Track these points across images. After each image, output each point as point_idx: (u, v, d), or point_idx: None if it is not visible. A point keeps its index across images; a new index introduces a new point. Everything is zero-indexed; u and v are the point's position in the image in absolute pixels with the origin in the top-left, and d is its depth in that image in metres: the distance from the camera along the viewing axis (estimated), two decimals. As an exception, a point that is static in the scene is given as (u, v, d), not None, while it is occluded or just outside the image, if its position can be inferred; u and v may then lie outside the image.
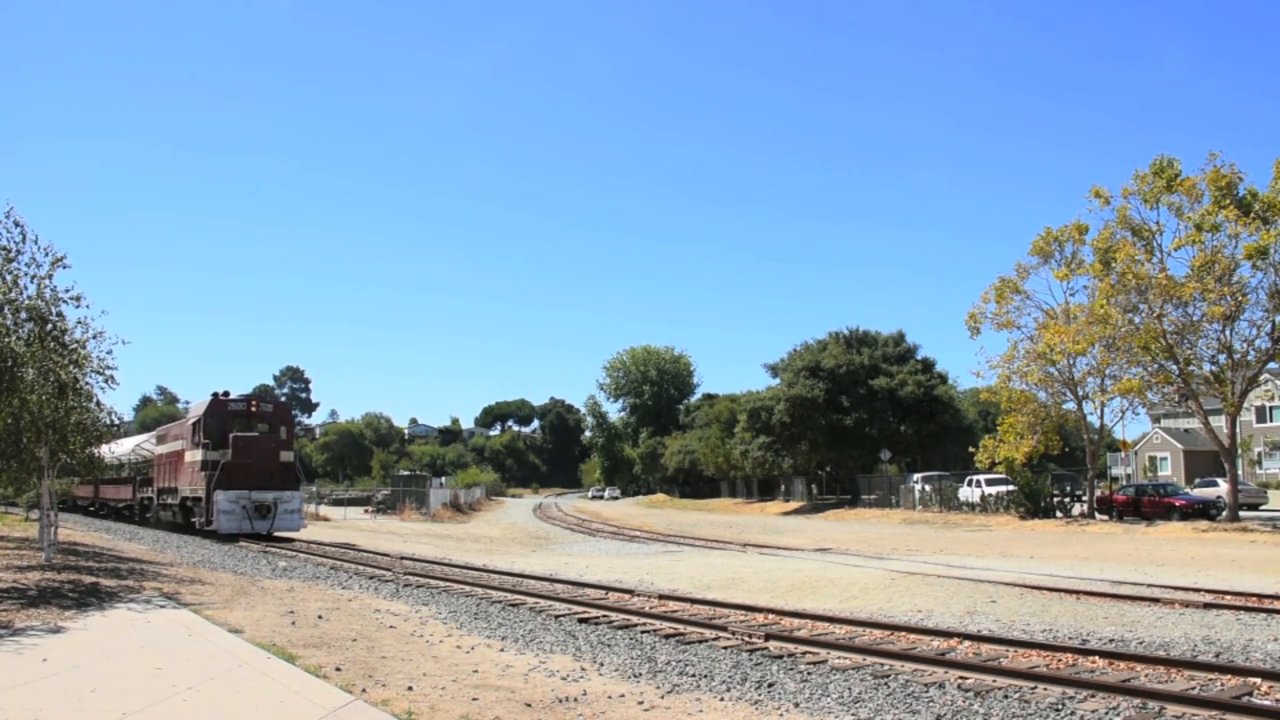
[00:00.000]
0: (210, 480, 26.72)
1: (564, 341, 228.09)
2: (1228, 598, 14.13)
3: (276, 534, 27.34)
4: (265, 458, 27.29)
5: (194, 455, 28.55)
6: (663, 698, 8.01)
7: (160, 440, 35.19)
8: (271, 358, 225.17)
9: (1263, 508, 43.42)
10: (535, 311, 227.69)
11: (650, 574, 19.29)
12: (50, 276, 15.66)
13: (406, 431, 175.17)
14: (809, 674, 8.82)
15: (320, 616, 12.53)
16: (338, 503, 60.41)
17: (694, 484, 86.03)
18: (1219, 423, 41.30)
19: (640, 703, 7.81)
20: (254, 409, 28.78)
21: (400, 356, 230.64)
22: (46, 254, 15.54)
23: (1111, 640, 10.70)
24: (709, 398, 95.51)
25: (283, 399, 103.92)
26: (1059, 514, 39.54)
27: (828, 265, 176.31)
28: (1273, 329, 33.05)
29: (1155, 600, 13.90)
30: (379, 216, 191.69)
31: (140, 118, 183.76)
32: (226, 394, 28.62)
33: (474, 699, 7.84)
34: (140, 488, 37.02)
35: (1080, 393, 38.44)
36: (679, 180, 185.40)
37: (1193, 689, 7.96)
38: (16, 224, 15.24)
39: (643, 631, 11.40)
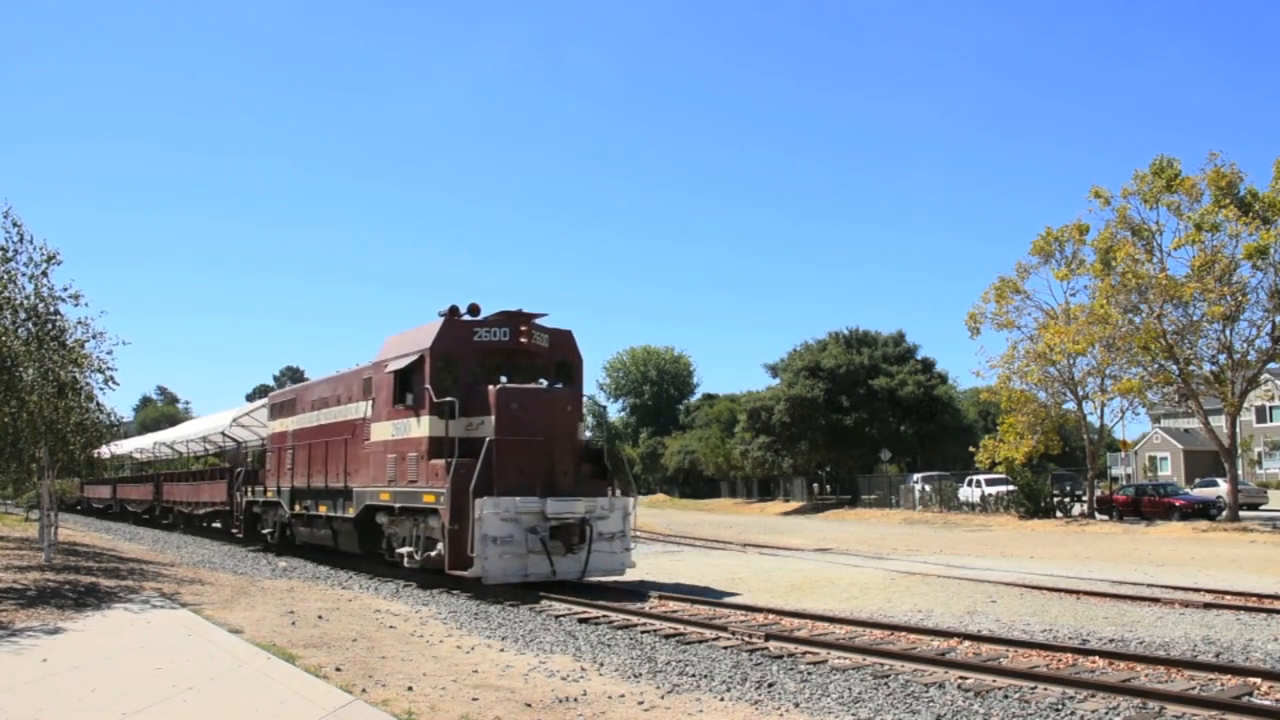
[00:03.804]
0: (463, 475, 14.13)
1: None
2: (1228, 598, 14.13)
3: (592, 579, 15.28)
4: (559, 433, 15.15)
5: (399, 428, 16.22)
6: (663, 698, 8.00)
7: (282, 410, 22.71)
8: (271, 358, 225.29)
9: (1263, 508, 43.46)
10: (535, 311, 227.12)
11: (650, 574, 19.29)
12: (45, 274, 15.69)
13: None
14: (809, 674, 8.82)
15: (320, 616, 12.54)
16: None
17: (694, 484, 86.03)
18: (1219, 423, 41.32)
19: (640, 703, 7.81)
20: (524, 338, 16.11)
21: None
22: (42, 252, 15.59)
23: (1111, 640, 10.70)
24: (709, 398, 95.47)
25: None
26: (1059, 514, 39.57)
27: (828, 265, 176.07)
28: (1273, 329, 33.08)
29: (1155, 600, 13.89)
30: (379, 216, 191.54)
31: (140, 118, 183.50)
32: (474, 309, 16.03)
33: (474, 699, 7.84)
34: (243, 487, 24.81)
35: (1080, 393, 38.48)
36: (679, 180, 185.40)
37: (1193, 689, 7.96)
38: (15, 224, 15.28)
39: (643, 631, 11.40)
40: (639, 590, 15.43)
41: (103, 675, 8.56)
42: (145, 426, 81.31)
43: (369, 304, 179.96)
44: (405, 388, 16.00)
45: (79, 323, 17.06)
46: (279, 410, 23.02)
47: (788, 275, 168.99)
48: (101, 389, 18.26)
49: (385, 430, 16.73)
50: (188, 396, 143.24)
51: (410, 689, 8.14)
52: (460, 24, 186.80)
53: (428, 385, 15.24)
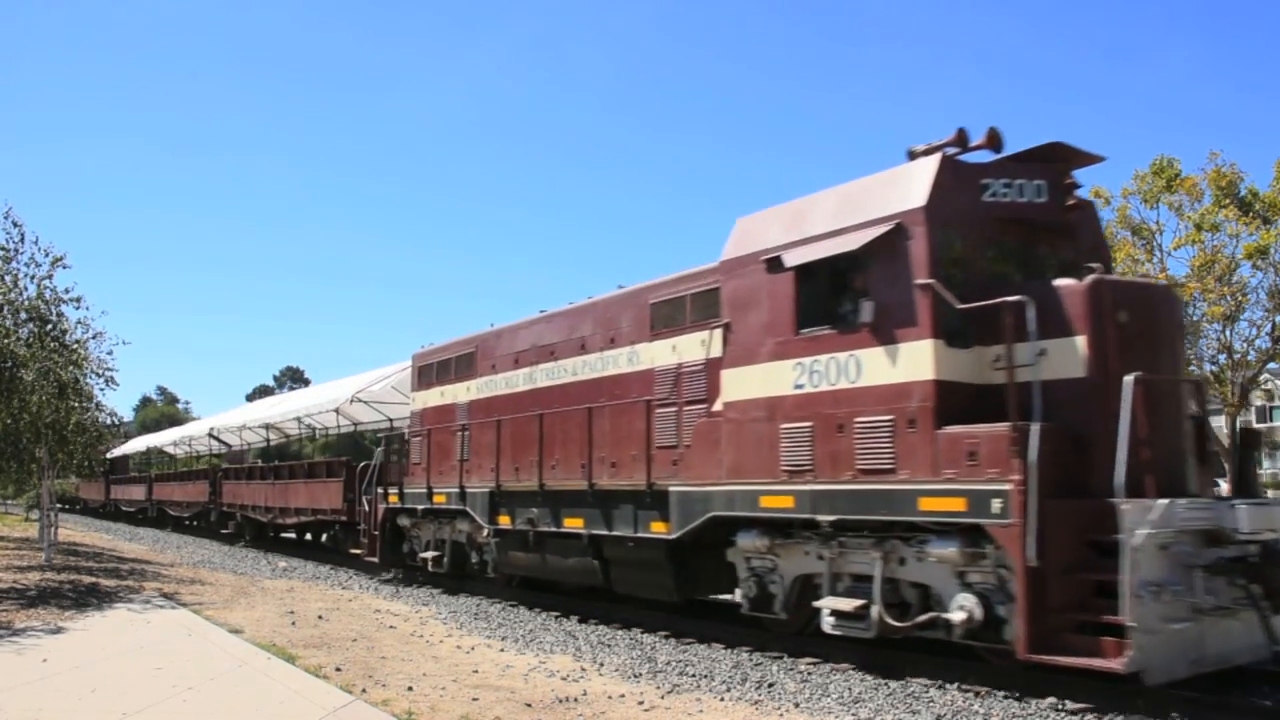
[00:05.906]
0: (1059, 458, 7.38)
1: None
2: (1228, 598, 14.10)
3: None
4: (1186, 375, 9.64)
5: (817, 371, 8.91)
6: (663, 698, 8.01)
7: (444, 373, 16.13)
8: (271, 358, 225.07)
9: (1263, 508, 43.38)
10: (535, 311, 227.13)
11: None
12: (50, 276, 15.72)
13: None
14: (809, 674, 8.82)
15: (320, 617, 12.55)
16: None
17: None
18: (1219, 423, 41.34)
19: (640, 703, 7.81)
20: (1072, 201, 9.00)
21: (400, 357, 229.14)
22: (46, 254, 15.62)
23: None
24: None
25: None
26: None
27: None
28: (1273, 329, 33.04)
29: (1155, 600, 13.86)
30: (379, 216, 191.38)
31: (140, 118, 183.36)
32: (994, 139, 8.92)
33: (474, 699, 7.85)
34: (374, 488, 17.85)
35: (1080, 393, 38.43)
36: (679, 180, 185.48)
37: (1193, 689, 7.94)
38: (16, 224, 15.31)
39: (642, 631, 11.39)
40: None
41: (103, 675, 8.57)
42: (145, 427, 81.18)
43: (369, 304, 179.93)
44: (837, 293, 9.00)
45: (79, 323, 17.10)
46: (437, 374, 16.25)
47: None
48: (102, 389, 18.31)
49: (770, 379, 9.41)
50: (188, 396, 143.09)
51: (410, 689, 8.14)
52: (459, 24, 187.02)
53: (924, 280, 8.15)
